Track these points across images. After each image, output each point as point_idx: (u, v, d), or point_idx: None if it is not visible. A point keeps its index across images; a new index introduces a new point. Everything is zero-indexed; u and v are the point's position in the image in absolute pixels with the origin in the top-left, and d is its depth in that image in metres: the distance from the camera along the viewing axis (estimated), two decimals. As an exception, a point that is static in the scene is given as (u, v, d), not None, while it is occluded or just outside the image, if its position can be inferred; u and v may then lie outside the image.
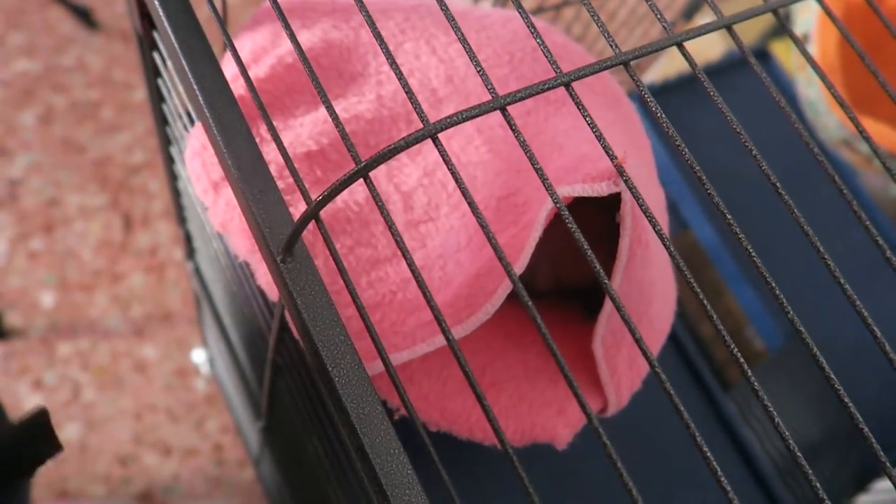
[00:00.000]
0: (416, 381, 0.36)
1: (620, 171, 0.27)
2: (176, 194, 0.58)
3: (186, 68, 0.32)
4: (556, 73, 0.27)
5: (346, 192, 0.36)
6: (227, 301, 0.58)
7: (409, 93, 0.25)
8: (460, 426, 0.36)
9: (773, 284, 0.27)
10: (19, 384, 1.10)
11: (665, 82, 0.95)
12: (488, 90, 0.26)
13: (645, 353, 0.25)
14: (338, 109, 0.37)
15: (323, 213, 0.35)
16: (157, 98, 0.46)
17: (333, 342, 0.28)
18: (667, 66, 1.15)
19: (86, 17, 1.31)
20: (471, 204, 0.26)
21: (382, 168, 0.37)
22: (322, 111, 0.37)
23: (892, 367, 0.25)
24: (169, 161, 0.53)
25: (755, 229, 0.96)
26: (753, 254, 0.28)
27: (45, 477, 1.06)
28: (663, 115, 0.28)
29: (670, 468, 0.55)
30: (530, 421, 0.37)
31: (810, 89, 0.80)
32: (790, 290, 0.94)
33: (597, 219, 0.37)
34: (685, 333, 0.74)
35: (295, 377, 0.42)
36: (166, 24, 0.32)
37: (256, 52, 0.38)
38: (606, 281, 0.25)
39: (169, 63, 0.34)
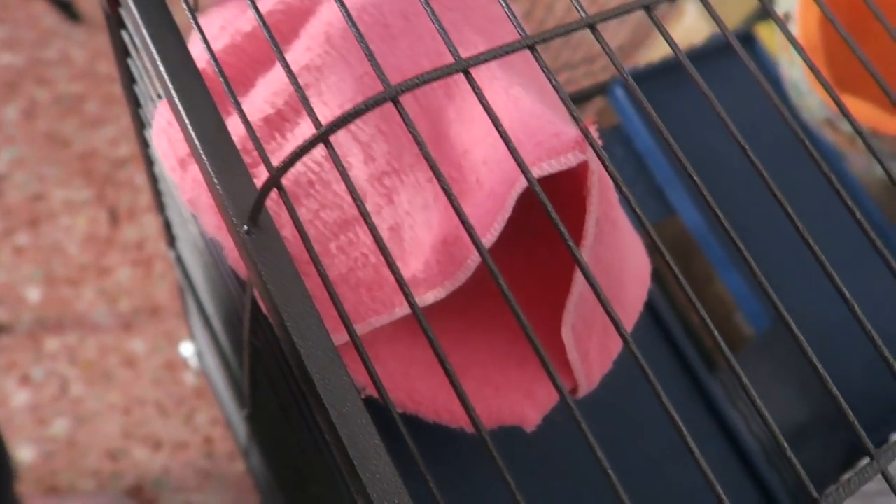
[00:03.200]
0: (382, 361, 0.35)
1: (587, 135, 0.27)
2: (153, 180, 0.57)
3: (148, 40, 0.31)
4: (520, 35, 0.26)
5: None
6: (207, 287, 0.58)
7: (359, 35, 0.25)
8: (426, 408, 0.36)
9: (754, 265, 0.27)
10: (6, 380, 1.10)
11: (651, 66, 0.95)
12: (450, 52, 0.26)
13: (624, 337, 0.24)
14: (288, 60, 0.36)
15: (284, 180, 0.35)
16: (128, 79, 0.45)
17: (299, 313, 0.28)
18: (654, 51, 1.15)
19: (68, 10, 1.30)
20: (434, 169, 0.25)
21: (338, 113, 0.36)
22: (274, 71, 0.36)
23: (877, 349, 0.25)
24: (144, 145, 0.52)
25: (743, 213, 0.95)
26: (735, 237, 0.27)
27: (34, 472, 1.05)
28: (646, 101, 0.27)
29: (659, 448, 0.55)
30: (497, 404, 0.37)
31: (793, 70, 0.80)
32: (779, 273, 0.94)
33: (553, 199, 0.37)
34: (673, 319, 0.74)
35: (271, 359, 0.42)
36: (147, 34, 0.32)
37: (223, 26, 0.37)
38: (579, 255, 0.24)
39: (137, 41, 0.34)
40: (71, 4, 1.29)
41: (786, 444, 0.25)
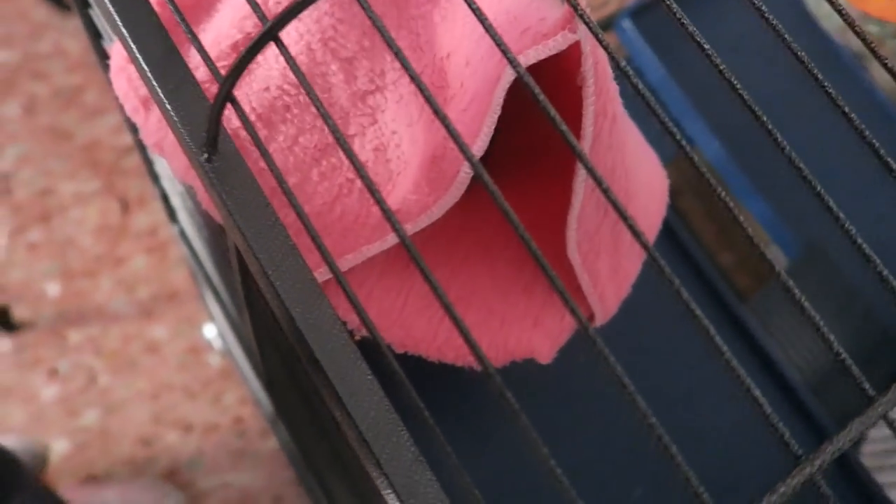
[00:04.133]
0: (374, 299, 0.33)
1: (576, 8, 0.23)
2: (141, 147, 0.55)
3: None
4: None
5: (278, 76, 0.33)
6: (206, 253, 0.56)
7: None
8: (427, 346, 0.33)
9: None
10: (34, 375, 1.10)
11: (657, -7, 0.90)
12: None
13: (644, 245, 0.21)
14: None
15: (257, 104, 0.32)
16: (94, 35, 0.42)
17: (269, 241, 0.25)
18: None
19: (59, 2, 1.28)
20: (412, 75, 0.22)
21: (317, 34, 0.33)
22: None
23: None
24: (134, 128, 0.50)
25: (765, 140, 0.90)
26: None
27: (69, 463, 1.06)
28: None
29: (689, 384, 0.52)
30: (503, 336, 0.34)
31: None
32: (807, 197, 0.89)
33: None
34: (699, 252, 0.70)
35: (266, 313, 0.40)
36: None
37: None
38: (578, 147, 0.21)
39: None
40: (59, -6, 1.27)
41: (842, 351, 0.22)
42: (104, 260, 1.18)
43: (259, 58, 0.35)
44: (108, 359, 1.12)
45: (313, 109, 0.32)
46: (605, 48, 0.23)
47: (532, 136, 0.37)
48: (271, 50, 0.35)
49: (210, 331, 1.15)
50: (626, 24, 0.88)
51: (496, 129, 0.31)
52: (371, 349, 0.34)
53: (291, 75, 0.33)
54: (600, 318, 0.36)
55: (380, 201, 0.22)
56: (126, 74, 0.32)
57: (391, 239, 0.30)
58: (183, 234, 0.70)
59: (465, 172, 0.28)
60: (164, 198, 0.64)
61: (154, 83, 0.26)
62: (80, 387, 1.10)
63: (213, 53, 0.33)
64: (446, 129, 0.22)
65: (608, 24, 0.96)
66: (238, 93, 0.34)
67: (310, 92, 0.23)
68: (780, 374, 0.62)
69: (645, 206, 0.36)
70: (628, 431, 0.48)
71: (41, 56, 1.28)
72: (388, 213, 0.22)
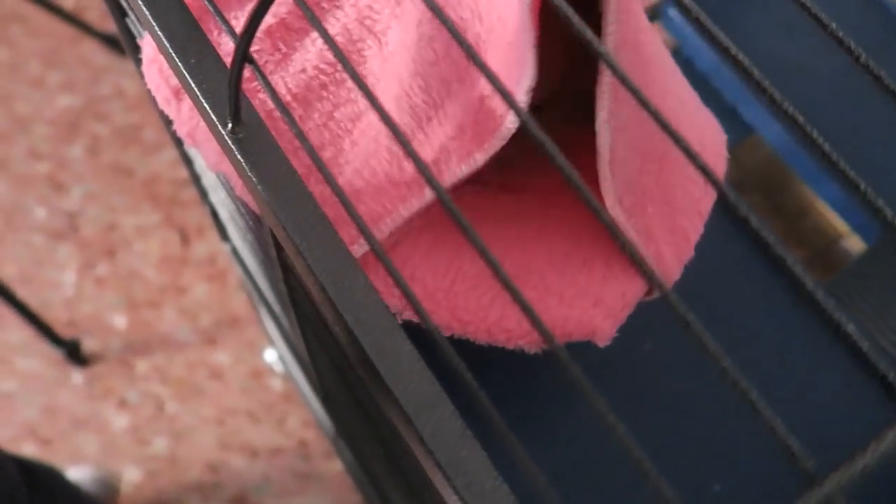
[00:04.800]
0: (418, 279, 0.31)
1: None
2: (188, 162, 0.56)
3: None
4: None
5: (315, 57, 0.32)
6: (254, 262, 0.55)
7: None
8: (477, 327, 0.31)
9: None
10: (105, 406, 1.13)
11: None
12: None
13: (713, 182, 0.19)
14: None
15: (293, 86, 0.31)
16: (129, 37, 0.43)
17: (298, 211, 0.24)
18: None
19: (115, 45, 1.33)
20: (460, 40, 0.21)
21: (351, 12, 0.32)
22: None
23: None
24: (168, 121, 0.50)
25: (835, 119, 0.85)
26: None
27: (141, 492, 1.07)
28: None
29: (765, 364, 0.48)
30: (562, 315, 0.31)
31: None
32: (880, 175, 0.84)
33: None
34: (769, 232, 0.66)
35: (311, 309, 0.38)
36: None
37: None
38: (602, 48, 0.19)
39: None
40: (118, 39, 1.33)
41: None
42: (167, 290, 1.20)
43: (297, 44, 0.35)
44: (174, 386, 1.14)
45: (349, 83, 0.31)
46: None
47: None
48: (309, 37, 0.34)
49: (270, 355, 1.16)
50: (673, 13, 0.85)
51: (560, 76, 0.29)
52: (417, 335, 0.32)
53: (327, 55, 0.33)
54: (662, 286, 0.33)
55: (413, 156, 0.20)
56: (157, 66, 0.32)
57: (429, 194, 0.28)
58: (235, 251, 0.71)
59: (511, 122, 0.26)
60: (214, 214, 0.64)
61: (176, 58, 0.25)
62: (148, 415, 1.12)
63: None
64: (485, 75, 0.20)
65: (654, 14, 0.93)
66: (275, 77, 0.34)
67: (340, 57, 0.22)
68: (866, 357, 0.57)
69: (697, 154, 0.33)
70: (703, 423, 0.44)
71: (102, 98, 1.33)
72: (421, 166, 0.20)
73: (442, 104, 0.28)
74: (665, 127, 0.18)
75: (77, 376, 1.14)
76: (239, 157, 0.24)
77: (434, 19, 0.31)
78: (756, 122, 0.84)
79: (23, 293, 1.18)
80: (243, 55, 0.22)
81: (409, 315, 0.31)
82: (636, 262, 0.20)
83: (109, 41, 1.33)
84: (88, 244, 1.23)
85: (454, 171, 0.28)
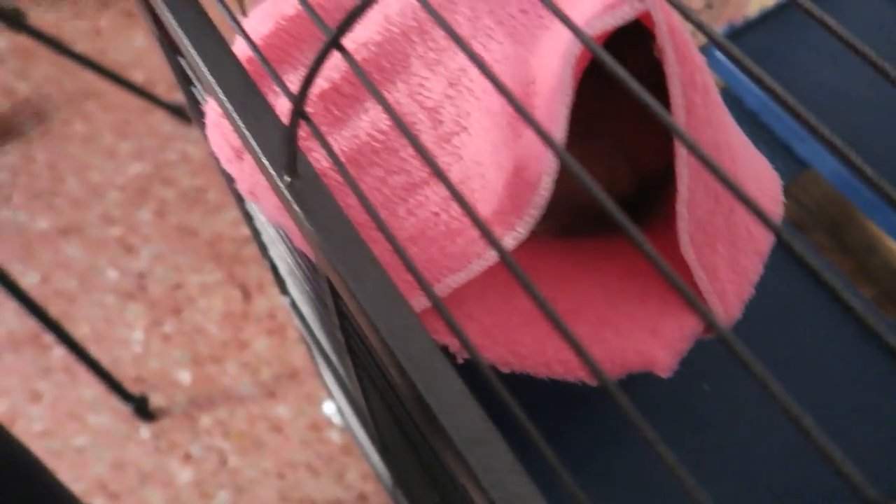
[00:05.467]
0: (475, 318, 0.31)
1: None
2: (249, 219, 0.58)
3: (181, 35, 0.31)
4: None
5: (368, 122, 0.34)
6: (313, 314, 0.57)
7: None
8: (535, 361, 0.31)
9: None
10: (171, 460, 1.15)
11: (750, 20, 0.87)
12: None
13: (771, 225, 0.19)
14: (344, 42, 0.35)
15: (346, 148, 0.33)
16: (195, 106, 0.46)
17: (351, 255, 0.25)
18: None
19: (182, 114, 1.41)
20: (503, 91, 0.22)
21: (403, 88, 0.34)
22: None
23: None
24: (230, 180, 0.53)
25: (887, 151, 0.83)
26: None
27: (204, 547, 1.08)
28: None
29: (830, 400, 0.46)
30: (619, 346, 0.31)
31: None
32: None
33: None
34: (830, 270, 0.64)
35: (368, 358, 0.39)
36: (163, 5, 0.32)
37: (263, 17, 0.37)
38: (669, 118, 0.20)
39: (180, 45, 0.34)
40: (183, 109, 1.41)
41: None
42: (229, 345, 1.24)
43: (349, 110, 0.37)
44: (235, 440, 1.16)
45: (401, 153, 0.32)
46: (687, 16, 0.21)
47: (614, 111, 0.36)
48: (361, 105, 0.36)
49: (329, 407, 1.17)
50: (718, 54, 0.85)
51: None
52: (475, 371, 0.32)
53: (380, 124, 0.34)
54: (724, 324, 0.32)
55: (473, 217, 0.21)
56: (220, 129, 0.34)
57: (475, 266, 0.29)
58: (294, 304, 0.73)
59: (548, 173, 0.27)
60: (274, 269, 0.67)
61: (237, 118, 0.27)
62: (211, 469, 1.14)
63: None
64: (524, 118, 0.21)
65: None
66: (329, 139, 0.36)
67: (401, 126, 0.24)
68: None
69: (756, 199, 0.33)
70: (765, 466, 0.43)
71: (169, 164, 1.41)
72: (481, 226, 0.21)
73: (495, 188, 0.29)
74: (724, 179, 0.18)
75: (144, 431, 1.17)
76: (295, 206, 0.26)
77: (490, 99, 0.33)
78: (811, 157, 0.83)
79: (95, 351, 1.24)
80: (299, 109, 0.24)
81: (467, 354, 0.32)
82: (692, 304, 0.20)
83: (176, 111, 1.41)
84: (156, 303, 1.28)
85: (502, 243, 0.29)
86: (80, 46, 1.54)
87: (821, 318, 0.52)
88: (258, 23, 0.37)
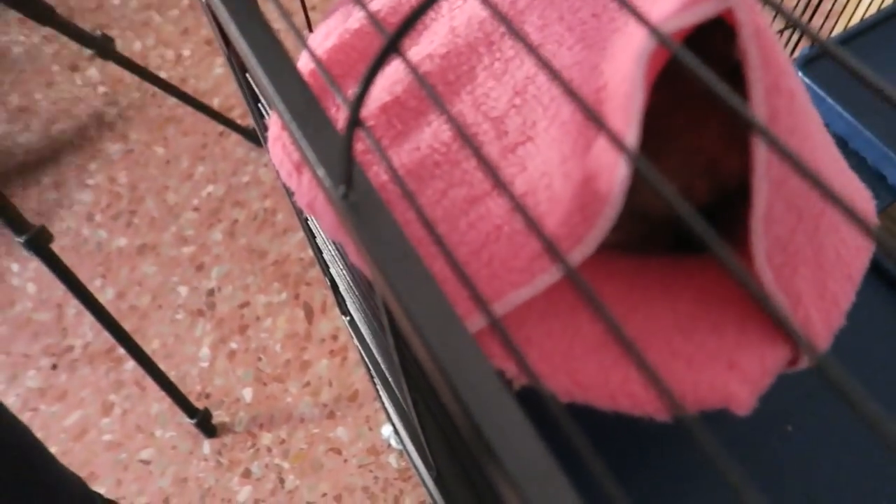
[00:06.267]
0: (535, 343, 0.30)
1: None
2: (311, 235, 0.58)
3: (241, 40, 0.31)
4: None
5: (430, 137, 0.33)
6: (370, 334, 0.56)
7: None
8: (598, 392, 0.29)
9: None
10: (232, 476, 1.16)
11: (858, 26, 0.83)
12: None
13: (869, 231, 0.17)
14: (409, 55, 0.34)
15: (407, 161, 0.32)
16: (261, 122, 0.46)
17: (406, 271, 0.24)
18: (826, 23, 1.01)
19: (254, 138, 1.46)
20: (572, 94, 0.21)
21: (467, 99, 0.33)
22: (394, 65, 0.34)
23: None
24: (290, 194, 0.53)
25: None
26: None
27: (260, 567, 1.08)
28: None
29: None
30: (692, 380, 0.29)
31: None
32: None
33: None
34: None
35: (423, 380, 0.38)
36: (229, 17, 0.32)
37: (328, 32, 0.37)
38: (750, 114, 0.18)
39: (245, 61, 0.34)
40: (255, 132, 1.45)
41: None
42: (292, 365, 1.25)
43: (412, 122, 0.36)
44: (294, 461, 1.16)
45: (463, 165, 0.31)
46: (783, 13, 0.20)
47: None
48: (424, 118, 0.35)
49: (388, 430, 1.16)
50: (800, 74, 0.81)
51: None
52: (536, 401, 0.30)
53: (442, 136, 0.34)
54: (807, 354, 0.29)
55: (537, 230, 0.20)
56: (281, 143, 0.34)
57: (539, 281, 0.28)
58: (353, 323, 0.72)
59: (619, 182, 0.25)
60: (334, 288, 0.66)
61: (296, 128, 0.27)
62: (270, 489, 1.14)
63: (363, 116, 0.34)
64: (593, 120, 0.20)
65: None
66: (390, 152, 0.35)
67: (462, 134, 0.23)
68: None
69: (846, 221, 0.30)
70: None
71: (241, 186, 1.45)
72: (545, 240, 0.20)
73: (562, 199, 0.28)
74: (819, 184, 0.16)
75: (206, 447, 1.19)
76: (350, 220, 0.25)
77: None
78: (904, 186, 0.77)
79: (164, 366, 1.27)
80: (355, 117, 0.23)
81: (525, 381, 0.30)
82: (784, 327, 0.18)
83: (249, 135, 1.46)
84: (223, 321, 1.31)
85: (569, 258, 0.27)
86: (164, 73, 1.61)
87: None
88: (323, 38, 0.37)
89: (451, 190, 0.31)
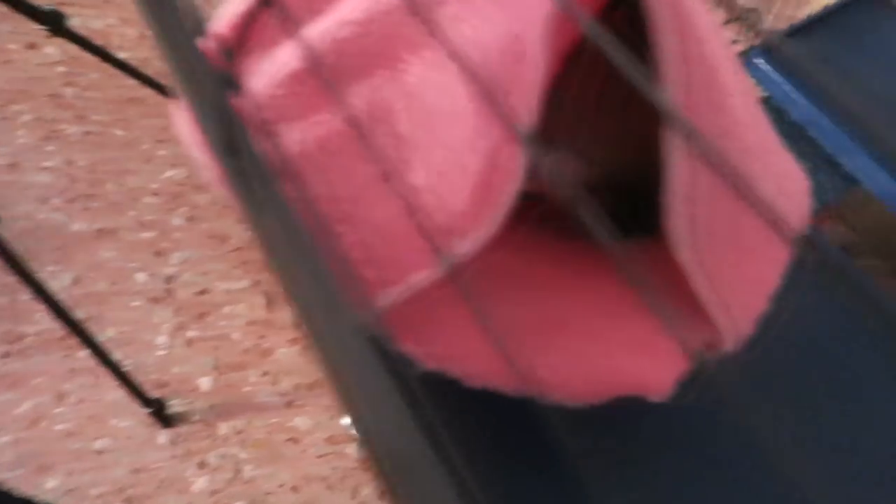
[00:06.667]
0: (446, 326, 0.28)
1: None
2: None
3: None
4: None
5: (346, 106, 0.31)
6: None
7: None
8: (508, 378, 0.27)
9: None
10: (188, 466, 1.14)
11: (794, 26, 0.82)
12: None
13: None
14: (326, 23, 0.32)
15: (323, 134, 0.30)
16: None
17: (291, 257, 0.22)
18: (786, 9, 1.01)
19: (217, 121, 1.43)
20: (473, 76, 0.19)
21: (385, 72, 0.31)
22: (316, 28, 0.32)
23: None
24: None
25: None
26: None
27: (215, 557, 1.06)
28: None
29: (872, 435, 0.41)
30: (609, 366, 0.27)
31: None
32: None
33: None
34: (873, 287, 0.58)
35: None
36: None
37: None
38: (653, 88, 0.16)
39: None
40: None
41: None
42: (251, 353, 1.23)
43: (327, 92, 0.34)
44: (253, 450, 1.14)
45: (380, 141, 0.30)
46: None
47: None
48: (324, 99, 0.33)
49: (347, 419, 1.14)
50: (759, 61, 0.80)
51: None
52: (443, 384, 0.29)
53: (358, 104, 0.32)
54: (730, 339, 0.28)
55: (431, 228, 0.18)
56: (186, 116, 0.32)
57: (439, 266, 0.26)
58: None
59: (522, 161, 0.24)
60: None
61: (188, 94, 0.25)
62: (227, 479, 1.12)
63: (272, 85, 0.32)
64: (491, 104, 0.18)
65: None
66: (304, 123, 0.33)
67: (359, 130, 0.21)
68: None
69: (773, 199, 0.29)
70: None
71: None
72: (434, 234, 0.18)
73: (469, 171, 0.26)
74: (740, 185, 0.15)
75: (163, 437, 1.17)
76: (235, 185, 0.23)
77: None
78: (860, 174, 0.77)
79: (120, 354, 1.24)
80: (226, 78, 0.21)
81: (434, 365, 0.28)
82: (664, 321, 0.16)
83: (212, 118, 1.43)
84: (182, 307, 1.28)
85: (472, 236, 0.26)
86: (125, 54, 1.57)
87: (862, 344, 0.47)
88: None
89: (362, 165, 0.30)
